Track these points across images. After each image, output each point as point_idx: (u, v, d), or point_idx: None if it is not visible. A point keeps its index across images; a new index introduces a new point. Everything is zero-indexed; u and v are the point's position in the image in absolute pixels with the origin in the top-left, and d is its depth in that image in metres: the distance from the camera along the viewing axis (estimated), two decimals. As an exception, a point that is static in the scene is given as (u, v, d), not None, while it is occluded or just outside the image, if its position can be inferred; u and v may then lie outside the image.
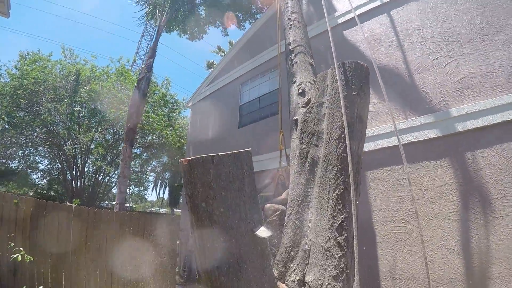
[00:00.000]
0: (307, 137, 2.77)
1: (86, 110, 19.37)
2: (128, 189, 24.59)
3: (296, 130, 3.00)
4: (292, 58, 4.15)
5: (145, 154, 22.69)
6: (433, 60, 5.65)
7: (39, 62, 18.78)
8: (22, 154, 19.79)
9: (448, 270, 4.91)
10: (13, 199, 5.65)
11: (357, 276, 2.00)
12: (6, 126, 17.62)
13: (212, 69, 12.42)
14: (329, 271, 2.27)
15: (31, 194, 19.78)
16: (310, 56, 4.19)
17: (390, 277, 5.23)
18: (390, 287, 5.24)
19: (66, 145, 18.13)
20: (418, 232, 5.10)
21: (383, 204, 5.65)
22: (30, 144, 19.36)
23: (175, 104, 23.47)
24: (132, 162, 22.58)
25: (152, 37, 12.61)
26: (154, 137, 21.27)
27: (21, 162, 19.89)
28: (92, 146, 19.90)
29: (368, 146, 6.10)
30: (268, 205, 3.06)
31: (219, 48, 27.41)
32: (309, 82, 3.60)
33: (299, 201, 2.62)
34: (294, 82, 3.68)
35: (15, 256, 5.09)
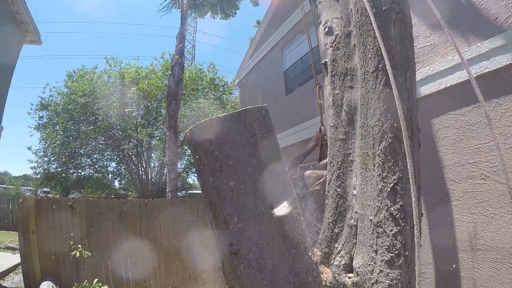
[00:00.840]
0: (339, 79, 2.24)
1: (136, 109, 19.97)
2: (195, 176, 25.42)
3: (327, 75, 2.43)
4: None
5: None
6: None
7: (85, 76, 19.75)
8: (91, 162, 21.19)
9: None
10: (68, 202, 5.97)
11: (418, 262, 1.39)
12: (67, 139, 18.87)
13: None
14: (381, 253, 1.72)
15: (103, 195, 21.25)
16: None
17: (469, 248, 4.41)
18: (469, 261, 4.41)
19: (123, 144, 18.96)
20: (502, 190, 4.18)
21: (456, 157, 4.73)
22: (96, 151, 20.68)
23: (225, 86, 23.39)
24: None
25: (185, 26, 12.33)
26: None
27: (91, 169, 21.31)
28: (153, 142, 20.62)
29: (427, 89, 5.17)
30: (308, 172, 2.49)
31: (258, 22, 26.79)
32: (336, 18, 2.96)
33: (339, 162, 2.04)
34: (320, 23, 3.07)
35: (73, 253, 5.53)
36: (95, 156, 21.17)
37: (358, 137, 1.96)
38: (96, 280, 5.52)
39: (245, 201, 1.66)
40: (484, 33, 4.62)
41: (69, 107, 18.49)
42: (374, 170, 1.78)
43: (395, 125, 1.75)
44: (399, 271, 1.68)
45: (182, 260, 6.38)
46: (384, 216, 1.71)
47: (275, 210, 1.66)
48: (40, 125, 19.68)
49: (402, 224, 1.69)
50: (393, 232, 1.68)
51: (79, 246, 5.57)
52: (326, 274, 2.01)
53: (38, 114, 19.84)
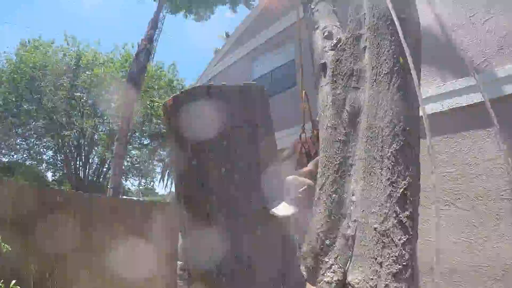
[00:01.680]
0: (342, 79, 2.15)
1: (88, 95, 18.61)
2: (135, 180, 23.62)
3: (324, 76, 2.31)
4: (313, 7, 3.51)
5: (152, 143, 21.85)
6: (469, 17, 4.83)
7: (40, 49, 18.09)
8: (26, 146, 19.20)
9: (501, 261, 4.11)
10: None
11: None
12: (5, 113, 17.03)
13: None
14: (387, 266, 1.54)
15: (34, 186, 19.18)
16: (332, 5, 3.54)
17: (432, 272, 4.42)
18: (431, 283, 4.41)
19: (66, 132, 17.36)
20: (465, 217, 4.28)
21: (423, 183, 4.82)
22: (34, 135, 18.78)
23: (183, 89, 22.78)
24: (138, 152, 21.73)
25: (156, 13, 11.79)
26: (162, 125, 20.56)
27: (25, 153, 19.32)
28: (97, 137, 19.19)
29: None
30: (291, 178, 2.26)
31: (227, 34, 26.71)
32: (335, 25, 2.94)
33: (336, 166, 1.84)
34: (317, 28, 3.02)
35: None
36: (31, 140, 19.18)
37: (362, 139, 1.81)
38: (13, 282, 4.52)
39: (236, 194, 1.40)
40: (460, 71, 4.84)
41: (15, 76, 16.77)
42: (381, 174, 1.62)
43: (408, 128, 1.66)
44: (406, 285, 1.49)
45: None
46: (392, 224, 1.53)
47: (275, 210, 1.40)
48: None
49: (411, 233, 1.55)
50: (401, 241, 1.52)
51: None
52: (313, 293, 1.77)
53: None
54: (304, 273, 1.78)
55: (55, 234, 5.31)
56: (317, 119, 2.93)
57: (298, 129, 3.68)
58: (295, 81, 8.16)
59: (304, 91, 3.48)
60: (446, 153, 4.71)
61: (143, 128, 20.09)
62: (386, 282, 1.50)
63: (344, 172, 1.82)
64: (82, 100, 18.45)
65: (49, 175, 20.79)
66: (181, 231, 1.56)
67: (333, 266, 1.73)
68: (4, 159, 18.48)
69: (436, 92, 4.99)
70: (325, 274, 1.74)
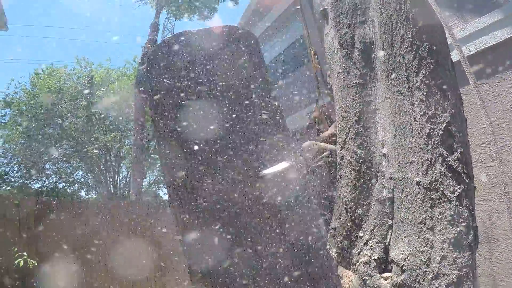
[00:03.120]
0: (346, 17, 1.82)
1: (106, 111, 18.84)
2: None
3: (327, 23, 2.00)
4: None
5: None
6: None
7: (54, 74, 18.42)
8: (56, 169, 19.27)
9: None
10: (14, 201, 5.20)
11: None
12: (29, 142, 17.35)
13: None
14: (441, 230, 1.15)
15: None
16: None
17: (485, 240, 3.93)
18: (485, 254, 3.92)
19: (89, 148, 17.59)
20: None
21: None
22: (63, 158, 18.89)
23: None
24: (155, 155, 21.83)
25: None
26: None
27: (56, 177, 19.39)
28: (124, 151, 19.33)
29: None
30: (307, 143, 1.92)
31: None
32: None
33: (357, 115, 1.48)
34: None
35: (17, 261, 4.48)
36: (61, 163, 19.28)
37: (382, 75, 1.45)
38: None
39: (227, 158, 1.08)
40: (481, 8, 4.39)
41: (31, 103, 17.10)
42: (414, 111, 1.24)
43: (435, 48, 1.24)
44: (469, 254, 1.11)
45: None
46: (439, 172, 1.15)
47: (270, 169, 1.07)
48: (2, 124, 17.93)
49: (467, 181, 1.15)
50: (456, 193, 1.13)
51: (25, 253, 4.58)
52: (348, 278, 1.40)
53: (1, 112, 18.08)
54: (334, 255, 1.42)
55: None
56: (328, 75, 2.59)
57: (312, 111, 3.37)
58: (308, 58, 7.98)
59: (313, 50, 3.16)
60: (490, 101, 4.20)
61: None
62: (443, 253, 1.12)
63: (367, 121, 1.45)
64: (101, 116, 18.71)
65: (83, 194, 21.01)
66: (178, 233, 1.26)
67: (370, 241, 1.35)
68: (37, 185, 18.75)
69: (460, 36, 4.51)
70: (361, 253, 1.37)
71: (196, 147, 1.06)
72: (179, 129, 1.11)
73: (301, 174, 1.57)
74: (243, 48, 1.19)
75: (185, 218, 1.13)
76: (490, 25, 4.29)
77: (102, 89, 18.01)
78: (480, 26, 4.35)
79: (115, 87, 18.03)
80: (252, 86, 1.19)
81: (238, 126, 1.12)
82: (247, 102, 1.15)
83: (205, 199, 1.08)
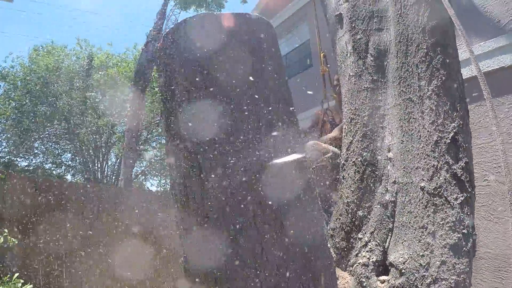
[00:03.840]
0: (362, 23, 1.88)
1: (102, 95, 18.49)
2: (154, 180, 23.14)
3: (341, 28, 2.06)
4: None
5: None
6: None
7: (52, 53, 18.09)
8: (45, 149, 19.04)
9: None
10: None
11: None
12: (21, 118, 16.92)
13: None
14: (442, 236, 1.19)
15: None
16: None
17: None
18: (473, 270, 3.95)
19: (81, 131, 17.22)
20: (505, 192, 3.80)
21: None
22: (53, 138, 18.63)
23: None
24: (157, 152, 21.50)
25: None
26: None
27: (43, 157, 19.13)
28: (115, 138, 19.00)
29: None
30: (311, 143, 1.93)
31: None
32: None
33: (365, 118, 1.50)
34: None
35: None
36: (50, 144, 19.04)
37: (393, 82, 1.48)
38: (16, 275, 4.37)
39: (239, 145, 1.07)
40: (486, 33, 4.47)
41: (28, 78, 16.76)
42: (423, 119, 1.27)
43: (448, 61, 1.27)
44: (467, 261, 1.14)
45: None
46: (444, 179, 1.18)
47: (281, 159, 1.07)
48: None
49: (469, 190, 1.18)
50: (458, 201, 1.16)
51: (5, 230, 4.43)
52: (344, 279, 1.42)
53: None
54: (333, 255, 1.44)
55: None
56: (335, 78, 2.60)
57: (316, 114, 3.38)
58: (312, 61, 7.97)
59: (323, 53, 3.17)
60: (480, 123, 4.26)
61: (160, 127, 19.96)
62: (442, 258, 1.14)
63: (375, 125, 1.47)
64: (96, 100, 18.37)
65: (69, 177, 20.60)
66: (180, 230, 1.23)
67: (370, 244, 1.37)
68: (23, 163, 18.42)
69: (463, 57, 4.59)
70: (360, 255, 1.39)
71: (207, 140, 1.03)
72: (189, 121, 1.08)
73: (308, 171, 1.58)
74: (261, 36, 1.18)
75: (190, 218, 1.11)
76: (494, 49, 4.37)
77: (100, 72, 17.61)
78: (485, 50, 4.43)
79: (114, 73, 17.69)
80: (268, 79, 1.18)
81: (250, 119, 1.10)
82: (260, 93, 1.14)
83: (213, 197, 1.06)
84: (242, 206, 1.05)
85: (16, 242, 4.40)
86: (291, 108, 1.20)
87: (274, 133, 1.11)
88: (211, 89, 1.06)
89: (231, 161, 1.04)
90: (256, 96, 1.10)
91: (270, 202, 1.07)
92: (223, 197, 1.03)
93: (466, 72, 4.40)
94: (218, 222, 1.04)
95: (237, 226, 1.04)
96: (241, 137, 1.04)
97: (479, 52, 4.44)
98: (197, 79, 1.06)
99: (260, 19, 1.23)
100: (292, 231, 1.09)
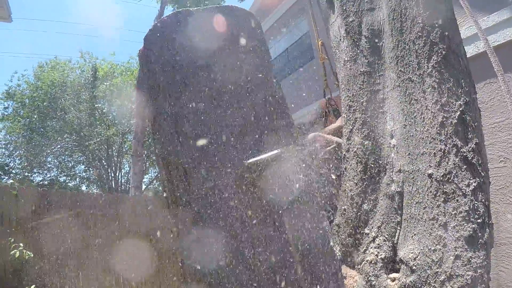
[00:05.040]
0: (353, 5, 1.77)
1: (109, 105, 18.54)
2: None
3: (333, 13, 1.96)
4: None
5: None
6: None
7: (57, 68, 18.34)
8: (58, 163, 19.32)
9: None
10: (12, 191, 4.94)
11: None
12: (32, 134, 17.27)
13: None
14: (455, 227, 1.07)
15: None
16: None
17: (491, 244, 3.82)
18: (492, 258, 3.79)
19: (92, 142, 17.46)
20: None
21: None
22: (66, 152, 18.90)
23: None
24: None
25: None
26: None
27: (57, 171, 19.46)
28: (126, 146, 19.18)
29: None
30: (313, 135, 1.83)
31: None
32: None
33: (364, 104, 1.39)
34: None
35: (12, 252, 4.34)
36: (63, 157, 19.32)
37: (391, 63, 1.37)
38: (33, 286, 4.42)
39: (227, 147, 1.00)
40: (488, 7, 4.28)
41: (35, 95, 17.03)
42: (425, 99, 1.16)
43: (446, 33, 1.16)
44: (485, 253, 1.02)
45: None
46: (453, 164, 1.06)
47: (258, 157, 0.98)
48: (4, 116, 17.80)
49: (482, 174, 1.07)
50: (471, 187, 1.05)
51: (21, 244, 4.45)
52: (352, 278, 1.32)
53: (3, 104, 17.93)
54: (338, 253, 1.33)
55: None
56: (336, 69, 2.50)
57: (319, 105, 3.27)
58: (313, 54, 7.84)
59: (320, 41, 3.06)
60: (492, 101, 4.08)
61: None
62: (456, 252, 1.03)
63: (375, 111, 1.36)
64: (104, 110, 18.56)
65: (84, 188, 20.86)
66: (175, 232, 1.17)
67: (377, 239, 1.27)
68: (38, 178, 18.67)
69: (467, 34, 4.40)
70: (367, 251, 1.28)
71: (195, 137, 0.99)
72: (175, 115, 1.03)
73: (302, 167, 1.48)
74: (244, 29, 1.10)
75: (184, 217, 1.06)
76: (499, 23, 4.19)
77: (105, 83, 17.79)
78: (489, 24, 4.24)
79: (119, 82, 17.87)
80: (257, 72, 1.11)
81: (241, 114, 1.03)
82: (248, 88, 1.06)
83: (203, 195, 1.00)
84: (230, 207, 1.00)
85: (32, 255, 4.42)
86: (281, 103, 1.12)
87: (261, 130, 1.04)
88: (191, 88, 1.00)
89: (216, 162, 0.98)
90: (244, 94, 1.04)
91: (264, 202, 1.01)
92: (211, 198, 0.97)
93: (472, 50, 4.26)
94: (208, 224, 0.99)
95: (228, 228, 0.98)
96: (224, 137, 0.98)
97: (483, 27, 4.26)
98: (177, 79, 1.02)
99: (245, 13, 1.17)
100: (289, 232, 1.02)
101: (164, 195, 1.13)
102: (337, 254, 1.37)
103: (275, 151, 0.94)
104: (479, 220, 1.05)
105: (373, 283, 1.22)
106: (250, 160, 0.91)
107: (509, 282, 3.66)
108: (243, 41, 1.09)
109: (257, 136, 0.99)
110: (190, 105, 1.02)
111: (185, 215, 1.03)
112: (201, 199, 0.97)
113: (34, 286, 4.42)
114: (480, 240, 1.04)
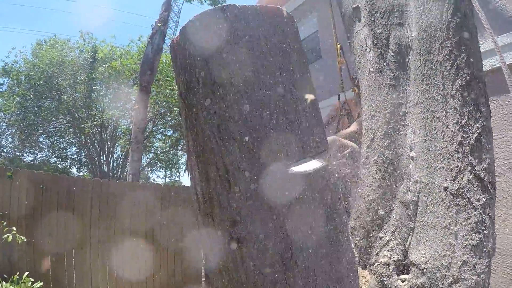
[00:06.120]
0: (382, 17, 1.83)
1: (106, 88, 18.07)
2: (160, 172, 23.15)
3: (359, 21, 2.01)
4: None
5: (175, 134, 21.28)
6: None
7: (56, 47, 17.90)
8: (50, 143, 19.03)
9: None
10: (7, 172, 4.86)
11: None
12: (26, 113, 16.88)
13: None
14: (464, 236, 1.19)
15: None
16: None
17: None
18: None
19: (86, 125, 17.08)
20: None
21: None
22: (58, 132, 18.62)
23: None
24: (162, 144, 21.33)
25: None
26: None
27: (49, 151, 19.15)
28: (120, 130, 18.86)
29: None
30: (331, 138, 1.92)
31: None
32: None
33: (387, 115, 1.49)
34: None
35: (5, 236, 4.24)
36: (55, 138, 18.97)
37: (416, 80, 1.47)
38: (26, 273, 4.34)
39: (268, 141, 1.02)
40: (498, 28, 4.37)
41: (31, 73, 16.64)
42: (447, 118, 1.27)
43: (471, 60, 1.27)
44: (488, 261, 1.15)
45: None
46: (467, 180, 1.18)
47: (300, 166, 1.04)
48: None
49: (491, 191, 1.20)
50: (481, 202, 1.18)
51: (14, 228, 4.36)
52: (364, 278, 1.43)
53: None
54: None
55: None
56: (354, 74, 2.57)
57: (328, 104, 3.34)
58: (319, 54, 7.86)
59: (339, 44, 3.13)
60: (493, 118, 4.22)
61: (164, 119, 19.73)
62: (463, 258, 1.15)
63: (397, 123, 1.47)
64: (101, 93, 18.16)
65: (74, 171, 20.50)
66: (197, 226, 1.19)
67: (391, 243, 1.38)
68: (29, 158, 18.41)
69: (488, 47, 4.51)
70: (381, 254, 1.40)
71: (240, 138, 0.98)
72: (215, 110, 1.01)
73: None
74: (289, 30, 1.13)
75: (223, 217, 1.07)
76: (508, 44, 4.28)
77: (104, 65, 17.40)
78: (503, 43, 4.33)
79: (118, 65, 17.45)
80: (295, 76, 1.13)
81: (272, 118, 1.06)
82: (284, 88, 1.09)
83: (248, 196, 1.02)
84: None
85: (25, 240, 4.38)
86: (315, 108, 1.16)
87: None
88: (234, 84, 1.01)
89: (261, 164, 1.00)
90: (283, 92, 1.05)
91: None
92: (251, 201, 0.99)
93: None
94: (246, 227, 1.00)
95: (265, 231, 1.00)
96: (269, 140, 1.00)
97: (489, 48, 4.34)
98: (223, 77, 1.02)
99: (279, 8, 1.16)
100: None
101: (196, 193, 1.10)
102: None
103: (320, 164, 1.00)
104: (485, 232, 1.17)
105: (385, 283, 1.34)
106: (294, 169, 0.97)
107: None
108: (292, 43, 1.11)
109: (301, 145, 1.02)
110: (236, 106, 1.00)
111: (223, 216, 1.01)
112: (242, 199, 0.97)
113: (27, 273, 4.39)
114: (485, 249, 1.17)
